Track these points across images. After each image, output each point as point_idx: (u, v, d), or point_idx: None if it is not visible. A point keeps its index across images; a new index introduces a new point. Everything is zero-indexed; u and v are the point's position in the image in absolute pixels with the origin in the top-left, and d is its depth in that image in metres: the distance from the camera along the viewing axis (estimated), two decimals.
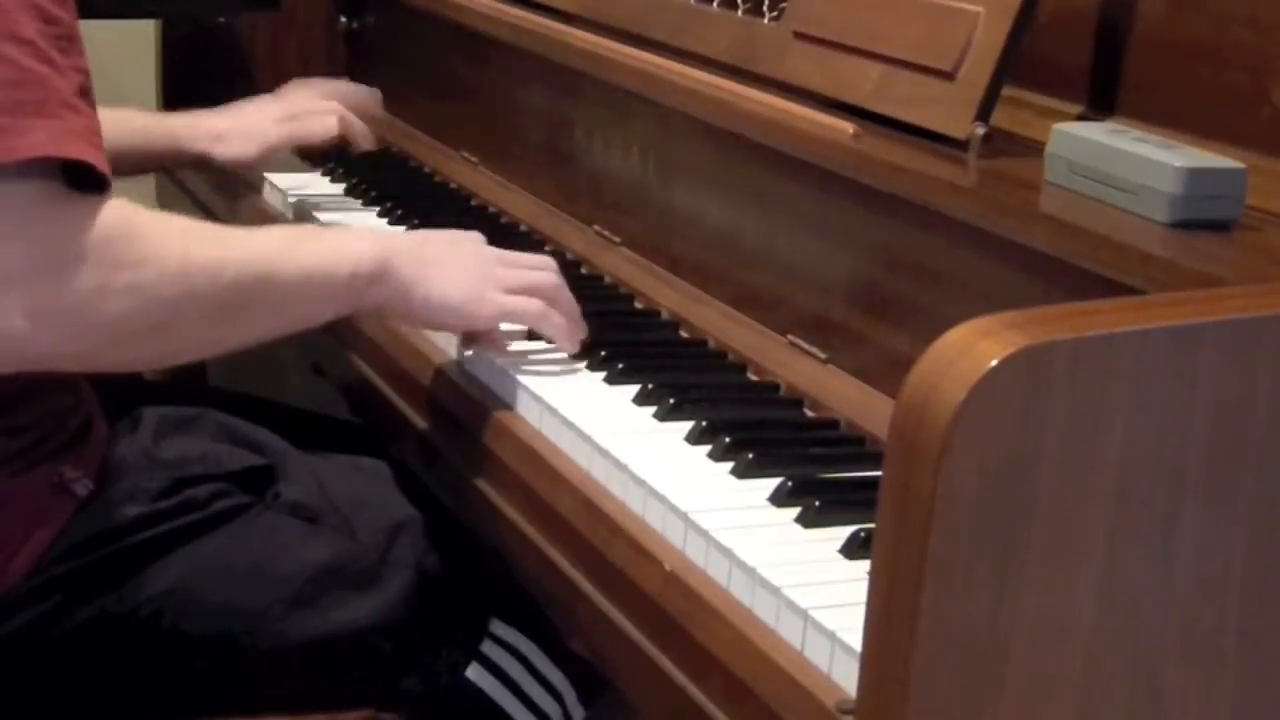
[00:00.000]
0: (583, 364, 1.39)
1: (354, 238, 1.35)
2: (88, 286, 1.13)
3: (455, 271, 1.33)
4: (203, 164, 1.81)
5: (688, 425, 1.26)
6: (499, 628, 1.39)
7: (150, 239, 1.17)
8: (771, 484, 1.16)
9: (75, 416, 1.31)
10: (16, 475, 1.26)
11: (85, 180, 1.14)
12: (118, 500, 1.30)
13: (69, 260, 1.12)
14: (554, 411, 1.28)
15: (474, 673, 1.37)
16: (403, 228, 1.79)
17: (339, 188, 1.95)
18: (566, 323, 1.36)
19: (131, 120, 1.74)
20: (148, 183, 2.24)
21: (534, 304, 1.35)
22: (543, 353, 1.39)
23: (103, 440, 1.33)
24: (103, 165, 1.14)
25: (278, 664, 1.32)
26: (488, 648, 1.38)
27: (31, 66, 1.12)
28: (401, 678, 1.36)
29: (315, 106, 1.86)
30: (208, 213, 2.09)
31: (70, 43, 1.16)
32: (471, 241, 1.39)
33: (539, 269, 1.38)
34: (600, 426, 1.25)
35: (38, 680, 1.28)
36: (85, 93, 1.16)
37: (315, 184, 1.96)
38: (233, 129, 1.80)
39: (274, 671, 1.33)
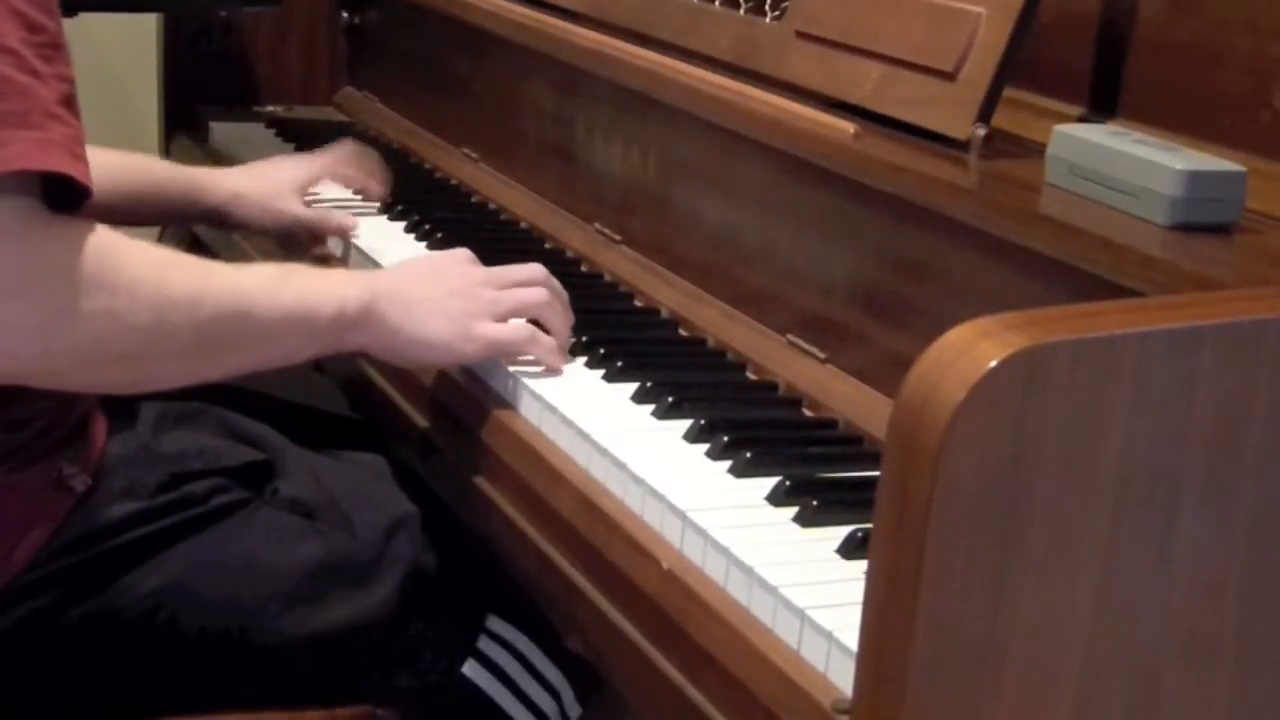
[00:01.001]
0: (582, 361, 1.39)
1: (340, 280, 1.34)
2: (57, 307, 1.13)
3: (440, 309, 1.32)
4: (217, 219, 1.75)
5: (686, 424, 1.26)
6: (496, 624, 1.39)
7: (127, 266, 1.16)
8: (769, 483, 1.16)
9: (74, 412, 1.30)
10: (14, 471, 1.25)
11: (66, 191, 1.14)
12: (116, 496, 1.30)
13: (39, 278, 1.12)
14: (553, 409, 1.28)
15: (470, 669, 1.37)
16: (402, 224, 1.79)
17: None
18: (554, 343, 1.36)
19: (151, 167, 1.72)
20: None
21: (520, 331, 1.34)
22: None
23: (101, 435, 1.33)
24: (84, 177, 1.14)
25: (275, 660, 1.32)
26: (484, 644, 1.38)
27: (13, 76, 1.10)
28: (398, 674, 1.36)
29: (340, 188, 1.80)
30: None
31: (55, 50, 1.14)
32: (457, 266, 1.37)
33: (529, 283, 1.37)
34: (599, 424, 1.25)
35: (36, 675, 1.28)
36: (69, 102, 1.15)
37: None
38: (253, 193, 1.73)
39: (271, 667, 1.33)
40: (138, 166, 1.69)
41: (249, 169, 1.80)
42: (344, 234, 1.73)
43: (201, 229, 1.98)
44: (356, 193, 1.87)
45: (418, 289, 1.33)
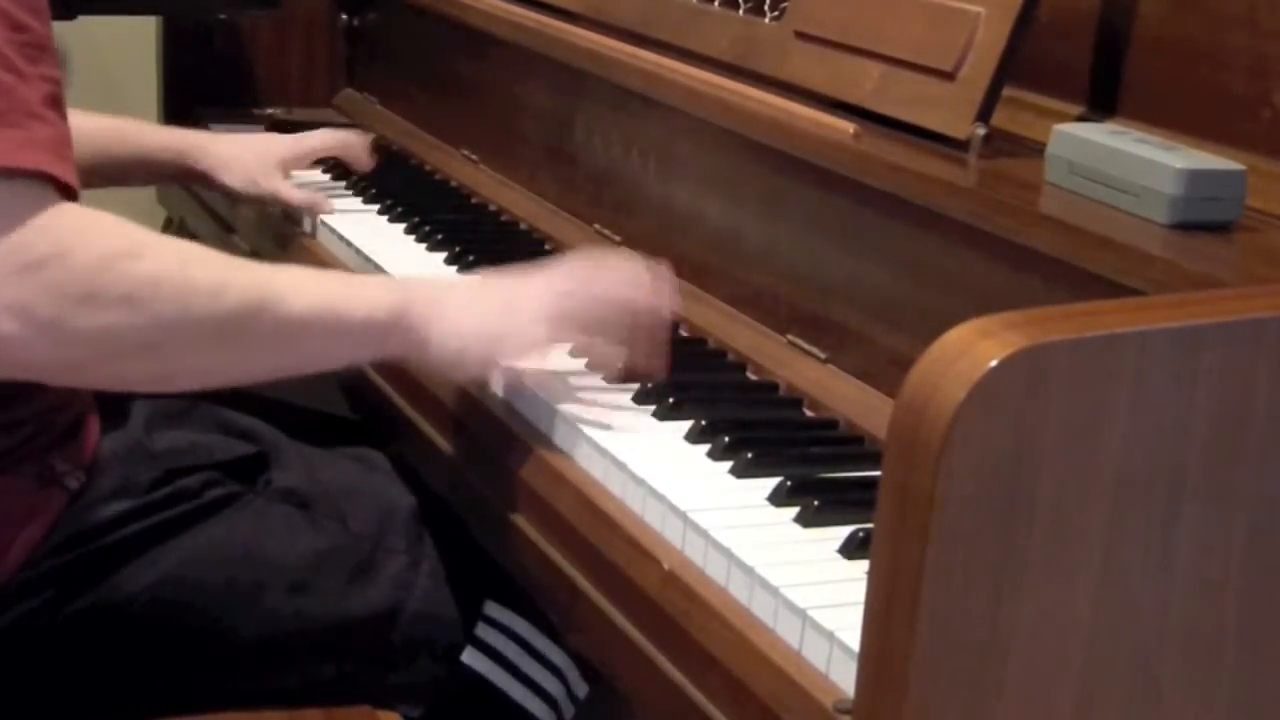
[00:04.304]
0: (583, 363, 1.39)
1: (378, 284, 1.30)
2: (76, 293, 1.11)
3: (477, 324, 1.27)
4: (203, 181, 1.82)
5: (687, 424, 1.26)
6: (494, 610, 1.38)
7: (149, 255, 1.15)
8: (770, 483, 1.16)
9: (68, 412, 1.30)
10: (7, 470, 1.25)
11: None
12: (109, 493, 1.30)
13: (52, 263, 1.10)
14: (553, 410, 1.28)
15: (470, 657, 1.36)
16: (402, 225, 1.79)
17: (340, 184, 1.95)
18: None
19: (143, 137, 1.75)
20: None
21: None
22: None
23: (94, 433, 1.33)
24: (67, 177, 1.13)
25: (271, 654, 1.32)
26: (483, 631, 1.38)
27: None
28: (396, 667, 1.36)
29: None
30: (206, 209, 2.10)
31: (40, 51, 1.13)
32: (530, 286, 1.30)
33: (611, 303, 1.29)
34: (599, 425, 1.25)
35: (33, 674, 1.28)
36: (55, 102, 1.14)
37: (315, 179, 1.96)
38: (240, 162, 1.78)
39: (268, 662, 1.32)
40: (128, 135, 1.74)
41: (240, 139, 1.87)
42: (317, 212, 1.80)
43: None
44: (337, 170, 1.94)
45: (459, 300, 1.28)
